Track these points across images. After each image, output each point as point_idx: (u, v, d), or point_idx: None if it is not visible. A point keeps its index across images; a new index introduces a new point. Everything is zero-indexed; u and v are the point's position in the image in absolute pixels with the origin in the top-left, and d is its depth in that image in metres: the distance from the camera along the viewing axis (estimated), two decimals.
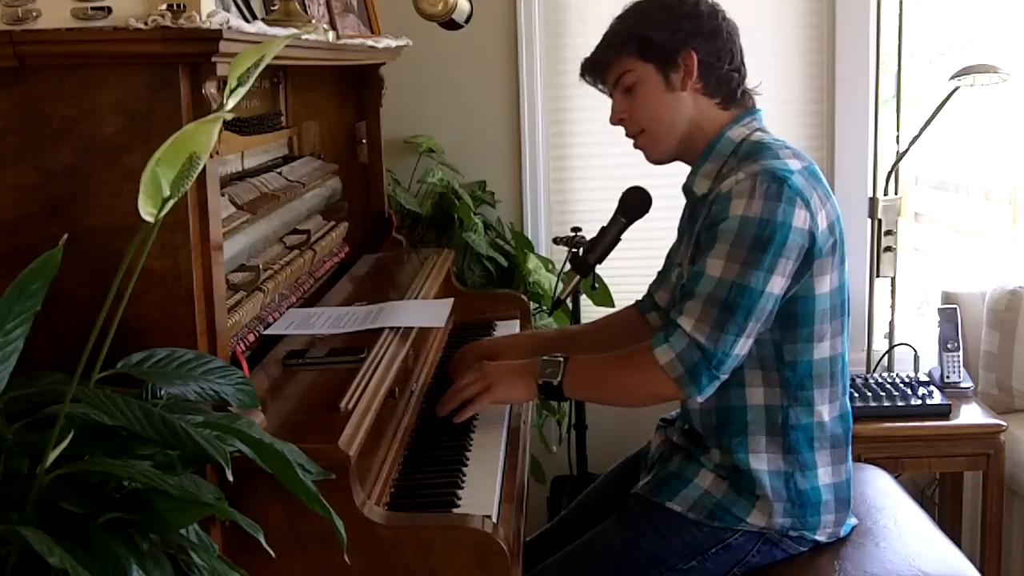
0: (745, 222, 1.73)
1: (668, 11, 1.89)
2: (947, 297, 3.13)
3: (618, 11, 1.95)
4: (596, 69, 1.95)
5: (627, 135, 1.96)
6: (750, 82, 1.94)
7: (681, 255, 1.97)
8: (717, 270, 1.74)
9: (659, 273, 2.17)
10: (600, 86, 1.97)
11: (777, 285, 1.74)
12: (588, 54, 1.97)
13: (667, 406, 1.96)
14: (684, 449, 1.92)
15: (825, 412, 1.85)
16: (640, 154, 1.98)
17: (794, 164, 1.79)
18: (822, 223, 1.77)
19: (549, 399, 2.02)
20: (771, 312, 1.76)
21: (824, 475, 1.85)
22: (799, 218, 1.73)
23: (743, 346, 1.75)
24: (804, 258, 1.76)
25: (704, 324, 1.74)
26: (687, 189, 1.95)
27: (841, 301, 1.84)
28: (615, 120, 1.95)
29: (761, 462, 1.83)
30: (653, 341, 1.80)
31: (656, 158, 1.96)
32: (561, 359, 1.89)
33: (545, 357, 1.91)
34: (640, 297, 2.21)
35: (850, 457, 1.92)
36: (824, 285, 1.79)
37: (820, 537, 1.87)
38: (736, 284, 1.73)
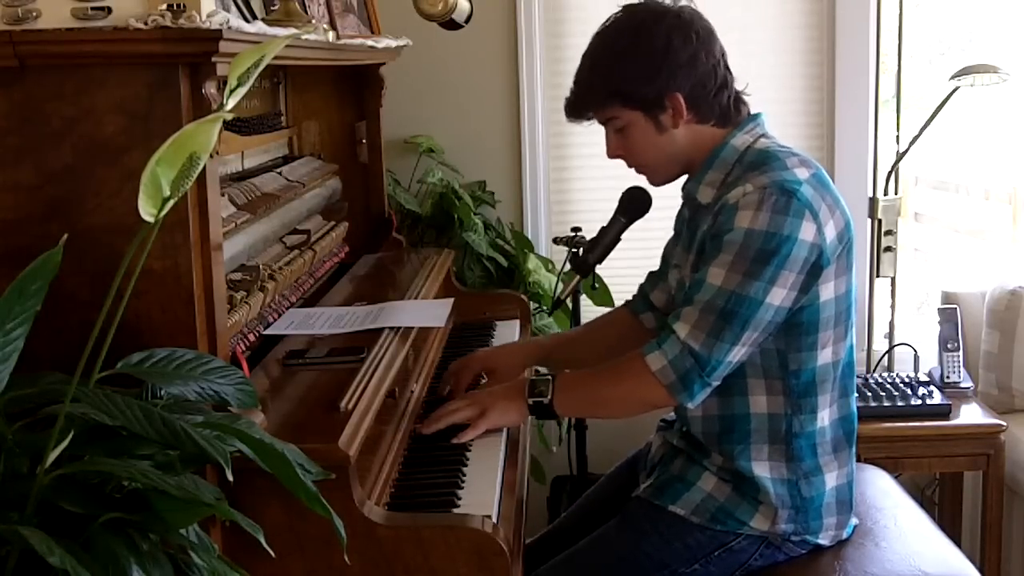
0: (750, 234, 1.71)
1: (642, 52, 1.81)
2: (947, 297, 3.13)
3: (600, 38, 1.89)
4: (579, 114, 1.91)
5: (628, 166, 1.94)
6: (739, 85, 1.90)
7: (679, 257, 1.95)
8: (718, 279, 1.73)
9: (651, 273, 2.14)
10: (591, 116, 1.92)
11: (778, 297, 1.72)
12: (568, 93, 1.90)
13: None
14: (685, 452, 1.91)
15: (826, 417, 1.84)
16: None
17: (802, 173, 1.76)
18: (830, 234, 1.75)
19: (541, 418, 1.99)
20: (771, 323, 1.74)
21: (828, 480, 1.85)
22: (806, 231, 1.71)
23: (737, 354, 1.74)
24: (811, 270, 1.73)
25: (699, 331, 1.73)
26: (689, 195, 1.92)
27: (847, 306, 1.82)
28: (612, 155, 1.92)
29: (764, 469, 1.82)
30: (645, 348, 1.79)
31: (659, 184, 1.95)
32: (550, 376, 1.88)
33: (534, 376, 1.90)
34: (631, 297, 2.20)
35: (853, 459, 1.91)
36: (828, 292, 1.78)
37: (823, 541, 1.87)
38: (735, 294, 1.72)
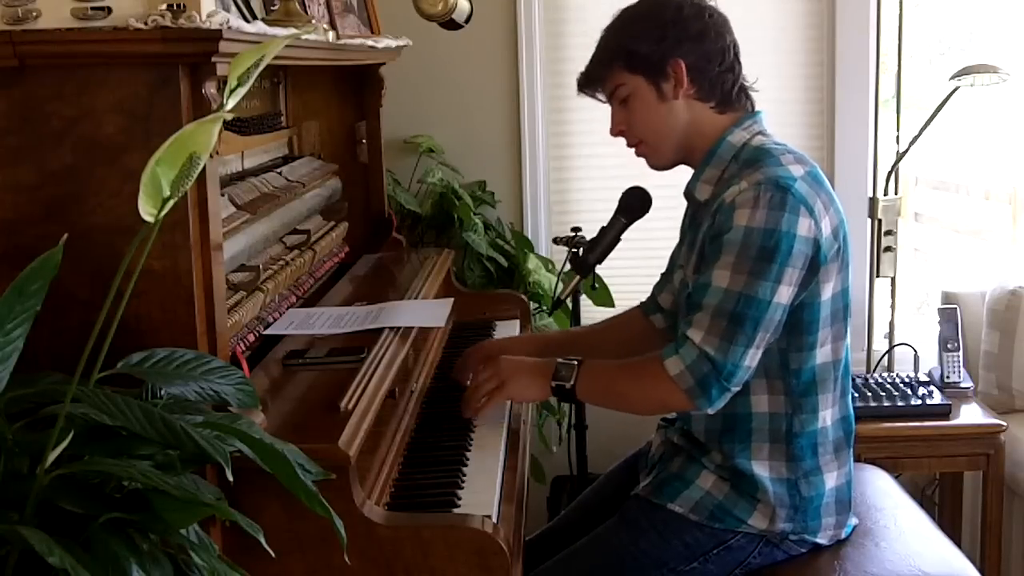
0: (750, 232, 1.72)
1: (652, 20, 1.87)
2: (947, 297, 3.13)
3: (617, 12, 1.94)
4: (589, 83, 1.96)
5: (628, 145, 1.96)
6: (748, 79, 1.92)
7: (684, 258, 1.96)
8: (724, 281, 1.74)
9: (662, 275, 2.16)
10: (600, 96, 1.97)
11: (784, 295, 1.73)
12: (584, 65, 1.96)
13: None
14: (685, 450, 1.91)
15: (828, 417, 1.85)
16: None
17: (796, 170, 1.77)
18: (826, 229, 1.76)
19: (562, 401, 2.02)
20: (779, 322, 1.75)
21: (828, 480, 1.85)
22: (803, 227, 1.73)
23: (753, 357, 1.74)
24: (809, 266, 1.75)
25: (713, 336, 1.73)
26: (689, 194, 1.94)
27: (844, 304, 1.83)
28: (615, 132, 1.95)
29: (763, 468, 1.82)
30: (664, 352, 1.79)
31: (657, 165, 1.96)
32: (576, 362, 1.89)
33: (561, 359, 1.91)
34: (643, 298, 2.20)
35: (851, 459, 1.92)
36: (828, 291, 1.79)
37: (821, 540, 1.87)
38: (743, 295, 1.72)
